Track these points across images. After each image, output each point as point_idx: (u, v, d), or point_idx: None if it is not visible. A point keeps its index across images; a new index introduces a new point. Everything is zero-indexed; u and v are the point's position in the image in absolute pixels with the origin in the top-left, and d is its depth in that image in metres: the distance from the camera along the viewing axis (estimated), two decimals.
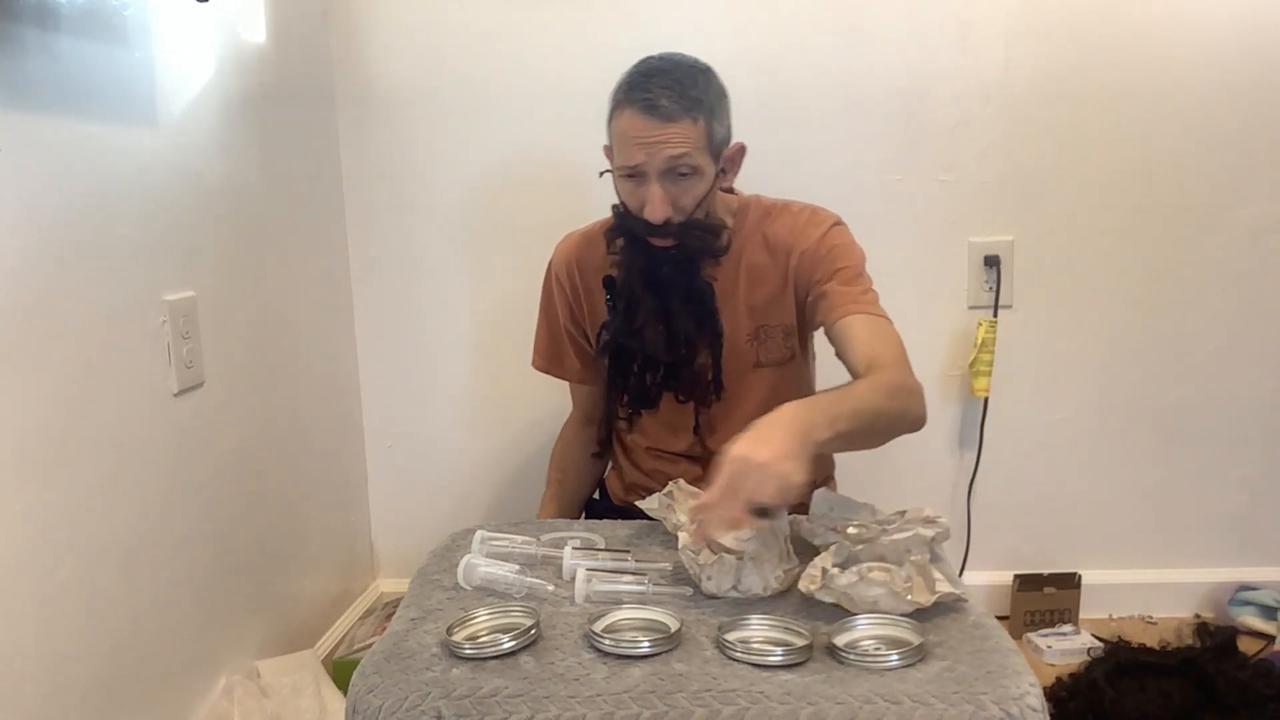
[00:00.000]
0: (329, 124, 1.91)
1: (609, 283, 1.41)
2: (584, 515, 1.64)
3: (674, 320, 1.36)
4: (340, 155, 1.95)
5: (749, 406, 1.39)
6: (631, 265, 1.36)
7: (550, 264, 1.55)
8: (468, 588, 1.10)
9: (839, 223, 1.42)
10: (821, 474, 1.57)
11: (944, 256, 1.92)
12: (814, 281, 1.36)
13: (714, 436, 1.45)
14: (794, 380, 1.46)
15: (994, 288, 1.91)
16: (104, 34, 1.23)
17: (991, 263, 1.90)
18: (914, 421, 1.26)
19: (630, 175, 1.31)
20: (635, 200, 1.31)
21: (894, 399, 1.20)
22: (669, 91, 1.26)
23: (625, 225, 1.35)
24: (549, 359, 1.59)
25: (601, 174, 1.37)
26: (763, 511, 1.00)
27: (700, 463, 1.47)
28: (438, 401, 2.03)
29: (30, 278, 1.10)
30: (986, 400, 1.93)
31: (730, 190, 1.46)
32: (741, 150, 1.40)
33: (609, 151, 1.37)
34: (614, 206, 1.37)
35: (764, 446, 0.99)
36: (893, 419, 1.20)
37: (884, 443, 1.24)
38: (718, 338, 1.39)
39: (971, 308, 1.93)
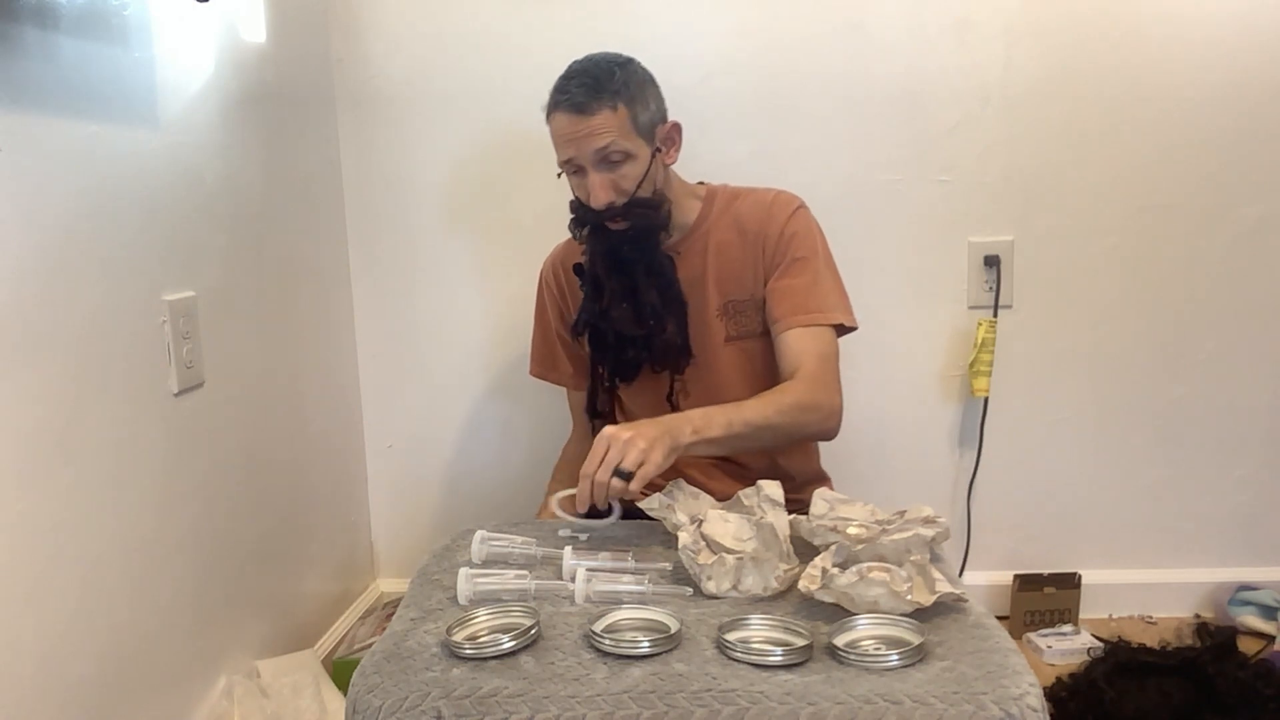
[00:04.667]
0: (329, 124, 1.91)
1: (578, 270, 1.50)
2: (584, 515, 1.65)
3: (639, 294, 1.44)
4: (340, 155, 1.95)
5: (723, 379, 1.49)
6: (595, 250, 1.46)
7: (540, 273, 1.65)
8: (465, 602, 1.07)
9: (802, 207, 1.50)
10: (812, 474, 1.58)
11: (944, 256, 1.92)
12: (773, 266, 1.46)
13: (688, 401, 1.49)
14: (763, 354, 1.50)
15: (994, 288, 1.91)
16: (104, 34, 1.23)
17: (991, 263, 1.90)
18: (815, 435, 1.46)
19: (572, 171, 1.42)
20: (582, 192, 1.43)
21: (786, 415, 1.34)
22: (584, 88, 1.37)
23: (580, 216, 1.45)
24: (544, 365, 1.68)
25: (559, 174, 1.47)
26: (624, 475, 1.17)
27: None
28: (438, 402, 2.03)
29: (30, 278, 1.10)
30: (986, 400, 1.93)
31: (698, 184, 1.56)
32: (677, 128, 1.48)
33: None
34: (570, 202, 1.46)
35: (630, 429, 1.20)
36: (784, 432, 1.36)
37: (785, 446, 1.45)
38: (681, 305, 1.46)
39: (971, 308, 1.93)
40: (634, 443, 1.18)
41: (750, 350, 1.49)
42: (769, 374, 1.47)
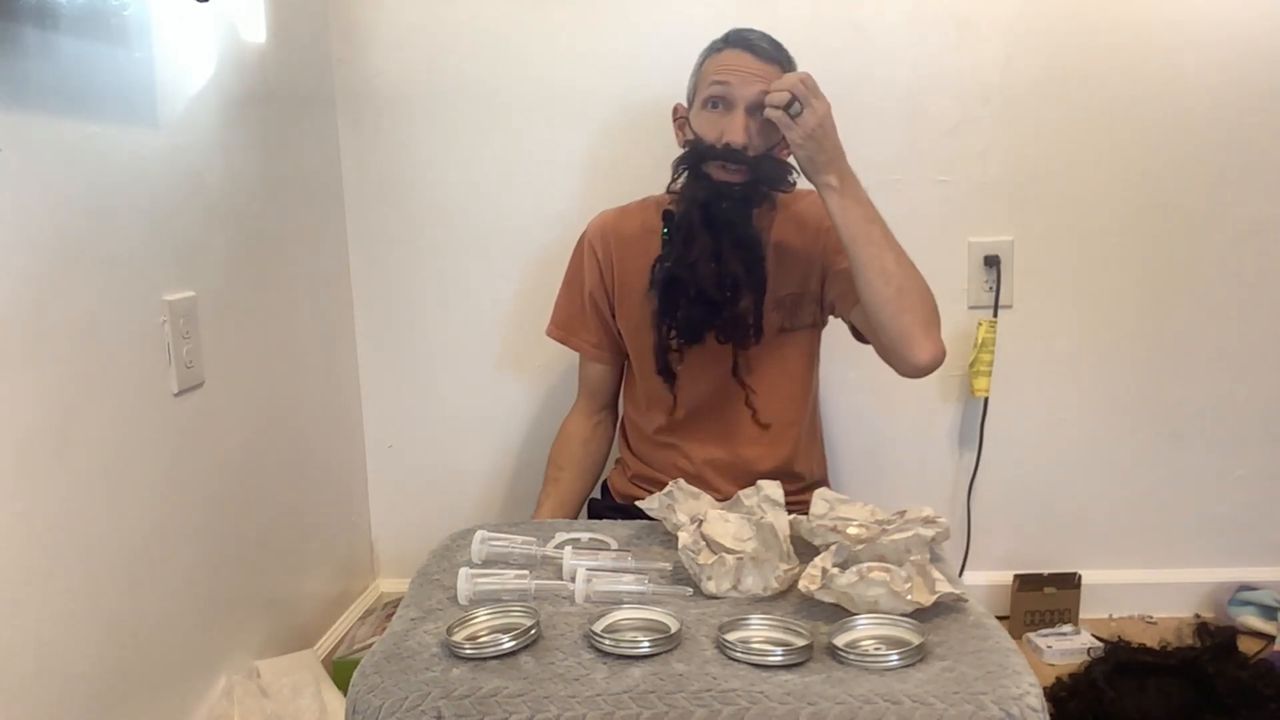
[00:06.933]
0: (329, 124, 1.91)
1: (667, 216, 1.46)
2: (585, 514, 1.65)
3: (723, 262, 1.41)
4: (340, 155, 1.95)
5: (769, 366, 1.50)
6: (693, 198, 1.41)
7: (583, 235, 1.60)
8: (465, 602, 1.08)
9: None
10: (818, 473, 1.58)
11: (944, 256, 1.91)
12: (837, 252, 1.45)
13: (751, 377, 1.49)
14: (810, 347, 1.54)
15: (994, 288, 1.91)
16: (104, 34, 1.23)
17: (991, 263, 1.90)
18: (907, 337, 1.35)
19: (714, 106, 1.41)
20: (715, 129, 1.40)
21: (912, 279, 1.35)
22: (767, 41, 1.43)
23: (697, 154, 1.41)
24: (565, 328, 1.63)
25: (676, 119, 1.49)
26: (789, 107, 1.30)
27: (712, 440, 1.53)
28: (438, 401, 2.03)
29: (30, 278, 1.10)
30: (986, 400, 1.93)
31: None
32: None
33: (679, 112, 1.49)
34: (687, 140, 1.44)
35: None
36: (897, 285, 1.33)
37: (884, 307, 1.34)
38: (761, 284, 1.44)
39: (971, 308, 1.93)
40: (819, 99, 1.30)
41: (791, 343, 1.51)
42: (810, 368, 1.53)
